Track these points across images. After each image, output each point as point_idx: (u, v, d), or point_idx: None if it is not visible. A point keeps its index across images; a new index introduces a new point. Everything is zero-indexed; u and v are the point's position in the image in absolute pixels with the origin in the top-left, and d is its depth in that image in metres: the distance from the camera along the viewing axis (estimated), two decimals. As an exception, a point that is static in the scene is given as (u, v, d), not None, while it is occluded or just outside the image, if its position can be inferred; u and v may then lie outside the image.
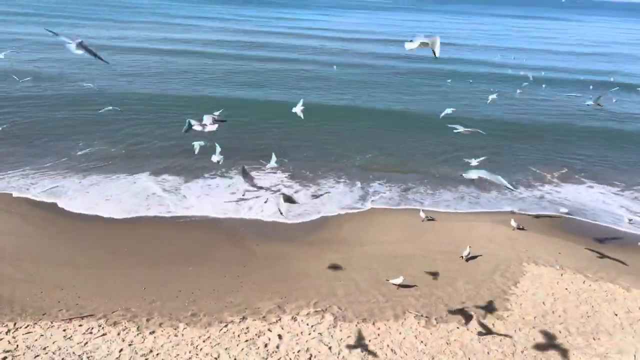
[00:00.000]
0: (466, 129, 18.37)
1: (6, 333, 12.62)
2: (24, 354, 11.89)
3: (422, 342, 13.06)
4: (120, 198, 22.28)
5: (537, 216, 22.70)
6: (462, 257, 17.68)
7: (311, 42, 79.09)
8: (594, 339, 13.51)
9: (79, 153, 27.37)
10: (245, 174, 17.36)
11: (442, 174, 27.48)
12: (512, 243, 19.22)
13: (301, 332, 13.26)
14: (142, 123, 33.52)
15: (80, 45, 10.15)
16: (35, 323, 13.10)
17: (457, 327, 13.75)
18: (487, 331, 13.64)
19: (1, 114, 33.13)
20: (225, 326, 13.40)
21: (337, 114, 38.93)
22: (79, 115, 34.35)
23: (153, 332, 13.03)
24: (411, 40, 9.83)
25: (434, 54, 9.51)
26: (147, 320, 13.55)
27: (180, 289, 15.27)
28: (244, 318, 13.80)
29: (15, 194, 21.82)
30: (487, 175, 12.34)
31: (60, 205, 21.22)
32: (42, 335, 12.60)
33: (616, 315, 14.65)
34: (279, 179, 25.79)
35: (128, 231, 19.54)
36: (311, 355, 12.39)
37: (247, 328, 13.35)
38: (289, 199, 14.90)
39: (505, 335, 13.49)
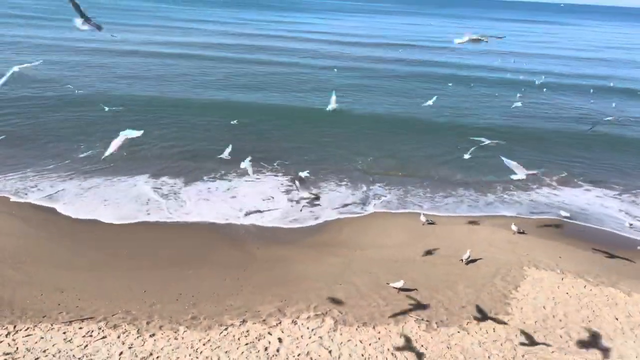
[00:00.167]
0: (491, 141, 18.60)
1: (6, 335, 12.59)
2: (24, 357, 11.85)
3: (422, 346, 13.04)
4: (120, 203, 22.12)
5: (538, 220, 22.70)
6: (462, 260, 17.68)
7: (311, 45, 79.29)
8: (595, 344, 13.48)
9: (81, 155, 27.39)
10: (302, 182, 17.68)
11: (443, 177, 27.50)
12: (512, 247, 19.22)
13: (301, 336, 13.23)
14: (142, 125, 33.49)
15: (86, 22, 10.80)
16: (36, 325, 13.07)
17: (458, 331, 13.73)
18: (488, 335, 13.62)
19: (1, 116, 33.23)
20: (226, 329, 13.38)
21: (337, 117, 38.97)
22: (80, 117, 34.39)
23: (153, 335, 13.00)
24: (460, 36, 11.11)
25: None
26: (147, 323, 13.53)
27: (181, 292, 15.25)
28: (244, 321, 13.77)
29: (13, 199, 21.66)
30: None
31: (59, 210, 21.07)
32: (42, 338, 12.57)
33: (617, 319, 14.63)
34: (280, 181, 25.78)
35: (128, 234, 19.51)
36: (311, 359, 12.36)
37: (247, 331, 13.33)
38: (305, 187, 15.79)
39: (506, 340, 13.48)
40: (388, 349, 12.83)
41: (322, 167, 28.09)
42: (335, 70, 57.70)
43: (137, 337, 12.84)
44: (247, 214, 21.88)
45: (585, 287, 16.34)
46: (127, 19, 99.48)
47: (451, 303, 15.14)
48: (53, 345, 12.28)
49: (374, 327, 13.75)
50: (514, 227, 20.64)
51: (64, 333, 12.82)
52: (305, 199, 22.65)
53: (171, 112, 37.06)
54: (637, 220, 23.17)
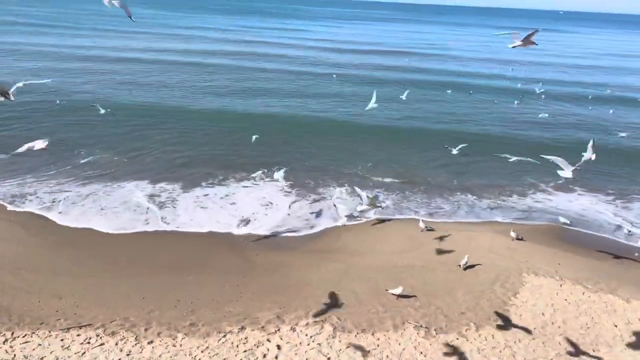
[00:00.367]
0: (518, 158, 18.71)
1: (3, 342, 12.56)
2: (21, 364, 11.82)
3: (421, 352, 13.01)
4: (118, 211, 21.86)
5: (536, 226, 22.72)
6: (460, 265, 17.69)
7: (311, 52, 79.70)
8: (594, 351, 13.47)
9: (82, 161, 27.50)
10: (360, 193, 17.75)
11: (442, 184, 27.54)
12: (511, 253, 19.22)
13: (300, 343, 13.20)
14: (142, 130, 33.71)
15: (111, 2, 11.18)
16: (33, 332, 13.04)
17: (457, 338, 13.70)
18: (487, 342, 13.59)
19: (1, 120, 33.40)
20: (224, 336, 13.34)
21: (335, 123, 39.15)
22: (81, 123, 34.55)
23: (151, 342, 12.97)
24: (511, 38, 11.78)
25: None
26: (146, 329, 13.50)
27: (179, 299, 15.23)
28: (242, 328, 13.75)
29: (9, 208, 21.55)
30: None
31: (57, 218, 20.86)
32: (39, 345, 12.53)
33: (616, 326, 14.61)
34: (279, 187, 25.82)
35: (127, 241, 19.51)
36: (310, 366, 12.33)
37: (245, 338, 13.30)
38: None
39: (505, 346, 13.44)
40: (387, 356, 12.80)
41: (322, 173, 28.14)
42: (334, 76, 57.99)
43: (135, 344, 12.81)
44: (245, 220, 21.88)
45: (584, 293, 16.33)
46: (127, 26, 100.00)
47: (450, 309, 15.12)
48: (51, 353, 12.25)
49: (372, 334, 13.72)
50: (512, 234, 20.66)
51: (62, 340, 12.79)
52: (366, 211, 21.61)
53: (171, 118, 37.22)
54: (635, 227, 23.19)
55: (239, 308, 14.81)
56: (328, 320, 14.28)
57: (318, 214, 23.09)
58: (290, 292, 15.85)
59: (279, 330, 13.72)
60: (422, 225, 21.38)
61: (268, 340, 13.26)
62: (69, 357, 12.16)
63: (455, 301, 15.61)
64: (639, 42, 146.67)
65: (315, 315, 14.48)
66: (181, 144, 31.99)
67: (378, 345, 13.22)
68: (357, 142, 34.54)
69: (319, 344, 13.16)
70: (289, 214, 22.86)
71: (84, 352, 12.36)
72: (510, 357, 13.03)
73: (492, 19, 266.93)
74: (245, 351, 12.74)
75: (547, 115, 35.52)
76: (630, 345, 13.81)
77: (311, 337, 13.46)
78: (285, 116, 40.46)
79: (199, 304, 14.99)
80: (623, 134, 36.83)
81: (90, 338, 12.94)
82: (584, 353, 13.36)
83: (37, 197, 22.77)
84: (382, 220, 22.58)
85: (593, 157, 17.62)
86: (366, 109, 21.83)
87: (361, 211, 20.14)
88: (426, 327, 14.12)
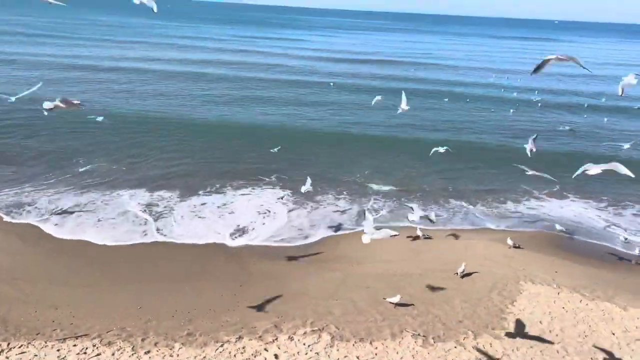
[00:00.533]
0: (535, 172, 18.78)
1: (-1, 353, 12.48)
2: (17, 375, 11.74)
3: (419, 361, 12.97)
4: (115, 223, 21.66)
5: (533, 234, 22.78)
6: (457, 273, 17.70)
7: (310, 62, 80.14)
8: (592, 359, 13.46)
9: (81, 170, 27.55)
10: (414, 210, 17.57)
11: (438, 192, 27.64)
12: (508, 261, 19.25)
13: (298, 352, 13.15)
14: (140, 139, 33.79)
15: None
16: (29, 343, 12.95)
17: (455, 347, 13.68)
18: (485, 351, 13.57)
19: (3, 130, 33.45)
20: (222, 346, 13.28)
21: (333, 132, 39.30)
22: (80, 131, 34.61)
23: (148, 352, 12.90)
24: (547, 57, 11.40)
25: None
26: (142, 339, 13.42)
27: (177, 308, 15.18)
28: (240, 337, 13.69)
29: (6, 219, 21.45)
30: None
31: (52, 232, 20.54)
32: (35, 356, 12.45)
33: (614, 334, 14.61)
34: (277, 194, 25.86)
35: (124, 250, 19.47)
36: (308, 376, 12.28)
37: (243, 348, 13.24)
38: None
39: (503, 355, 13.42)
40: (385, 365, 12.76)
41: (320, 182, 28.16)
42: (332, 84, 58.32)
43: (132, 355, 12.73)
44: (243, 229, 21.87)
45: (581, 301, 16.34)
46: (125, 35, 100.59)
47: (448, 318, 15.10)
48: (47, 363, 12.17)
49: (370, 343, 13.68)
50: (509, 241, 20.70)
51: (58, 350, 12.71)
52: (418, 222, 20.96)
53: (168, 126, 37.34)
54: (631, 234, 23.28)
55: (236, 317, 14.76)
56: (326, 329, 14.24)
57: (316, 222, 23.11)
58: (288, 301, 15.82)
59: (276, 339, 13.67)
60: (419, 233, 21.41)
61: (266, 349, 13.20)
62: (65, 367, 12.08)
63: (452, 309, 15.60)
64: (634, 51, 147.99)
65: (313, 324, 14.45)
66: (179, 152, 32.09)
67: (376, 354, 13.18)
68: (355, 150, 34.68)
69: (317, 353, 13.11)
70: (286, 223, 22.88)
71: (80, 363, 12.28)
72: (508, 366, 13.00)
73: (489, 28, 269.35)
74: (242, 361, 12.68)
75: (568, 128, 34.48)
76: (627, 353, 13.81)
77: (309, 346, 13.42)
78: (283, 124, 40.64)
79: (196, 313, 14.94)
80: (620, 143, 37.03)
81: (86, 348, 12.87)
82: (582, 361, 13.35)
83: (35, 207, 22.69)
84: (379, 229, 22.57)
85: (534, 149, 18.14)
86: (398, 112, 21.89)
87: (412, 220, 19.86)
88: (424, 336, 14.09)
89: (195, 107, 44.83)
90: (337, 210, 24.57)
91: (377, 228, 14.01)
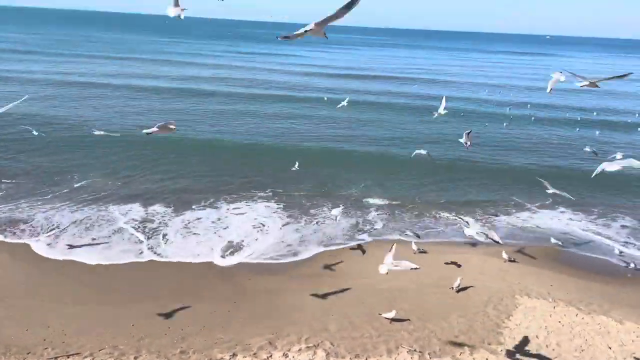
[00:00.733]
0: (555, 191, 18.72)
1: (-12, 373, 12.27)
2: (5, 396, 11.52)
3: (415, 378, 12.84)
4: (110, 243, 21.36)
5: (528, 248, 22.75)
6: (453, 288, 17.64)
7: (303, 78, 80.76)
8: (589, 373, 13.38)
9: (76, 185, 27.49)
10: (469, 225, 17.26)
11: (433, 207, 27.63)
12: (503, 275, 19.22)
13: (292, 369, 13.00)
14: (135, 154, 33.78)
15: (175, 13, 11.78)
16: (19, 362, 12.75)
17: (451, 362, 13.56)
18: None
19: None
20: (215, 363, 13.11)
21: (327, 146, 39.42)
22: (76, 146, 34.63)
23: (140, 370, 12.72)
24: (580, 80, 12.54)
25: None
26: (135, 358, 13.24)
27: (170, 326, 15.01)
28: (234, 355, 13.52)
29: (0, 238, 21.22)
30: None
31: (43, 253, 20.11)
32: (25, 375, 12.25)
33: (610, 348, 14.55)
34: (272, 209, 25.80)
35: (116, 268, 19.29)
36: (302, 393, 12.12)
37: (237, 365, 13.08)
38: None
39: (500, 370, 13.32)
40: (380, 382, 12.62)
41: (315, 197, 28.18)
42: (326, 99, 58.63)
43: (124, 373, 12.55)
44: (237, 246, 21.73)
45: (577, 315, 16.29)
46: (124, 52, 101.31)
47: (444, 333, 15.00)
48: (37, 383, 11.97)
49: (366, 359, 13.55)
50: (504, 255, 20.68)
51: (49, 370, 12.52)
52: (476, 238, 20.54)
53: (163, 142, 37.26)
54: (625, 247, 23.32)
55: (230, 334, 14.60)
56: (321, 345, 14.10)
57: (310, 237, 23.02)
58: (283, 317, 15.68)
59: (271, 356, 13.51)
60: (414, 247, 21.38)
61: (260, 367, 13.05)
62: (55, 387, 11.87)
63: (448, 324, 15.50)
64: (625, 66, 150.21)
65: (308, 341, 14.30)
66: (173, 167, 32.11)
67: (371, 371, 13.04)
68: (349, 164, 34.75)
69: (312, 371, 12.96)
70: (280, 238, 22.77)
71: (71, 382, 12.08)
72: (504, 381, 12.89)
73: (481, 43, 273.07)
74: (236, 379, 12.50)
75: (588, 149, 33.76)
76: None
77: (303, 363, 13.26)
78: (279, 141, 40.75)
79: (189, 331, 14.77)
80: (612, 155, 37.27)
81: (77, 367, 12.68)
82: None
83: (30, 225, 22.47)
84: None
85: (469, 142, 18.15)
86: (434, 117, 21.96)
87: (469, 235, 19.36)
88: (420, 352, 13.97)
89: (190, 123, 44.88)
90: (332, 225, 24.50)
91: (395, 260, 13.89)
